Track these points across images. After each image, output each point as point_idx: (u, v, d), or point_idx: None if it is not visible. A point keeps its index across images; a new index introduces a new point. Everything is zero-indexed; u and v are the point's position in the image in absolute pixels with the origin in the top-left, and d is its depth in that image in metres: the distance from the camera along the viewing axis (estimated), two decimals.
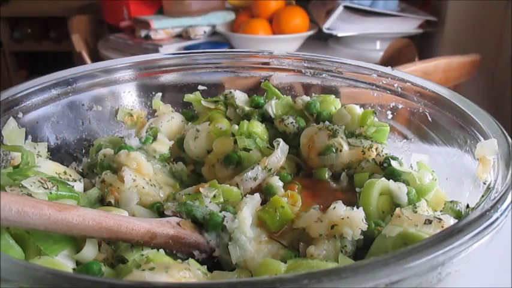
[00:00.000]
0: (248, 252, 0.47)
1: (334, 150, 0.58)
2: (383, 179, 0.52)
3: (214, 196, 0.52)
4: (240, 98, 0.68)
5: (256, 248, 0.48)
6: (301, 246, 0.49)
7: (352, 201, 0.51)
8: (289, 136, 0.63)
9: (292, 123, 0.63)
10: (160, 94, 0.71)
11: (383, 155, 0.57)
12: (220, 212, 0.50)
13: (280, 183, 0.56)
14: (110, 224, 0.42)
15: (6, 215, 0.37)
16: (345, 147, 0.58)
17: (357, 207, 0.48)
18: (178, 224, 0.48)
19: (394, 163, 0.55)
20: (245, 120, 0.63)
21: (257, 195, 0.52)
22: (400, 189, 0.51)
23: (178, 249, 0.47)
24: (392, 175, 0.54)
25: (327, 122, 0.62)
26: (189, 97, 0.70)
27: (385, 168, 0.55)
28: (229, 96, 0.68)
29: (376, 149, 0.57)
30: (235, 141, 0.61)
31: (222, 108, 0.68)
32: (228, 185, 0.55)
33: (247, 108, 0.67)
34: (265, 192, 0.55)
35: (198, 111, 0.70)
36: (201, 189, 0.52)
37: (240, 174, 0.58)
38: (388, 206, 0.51)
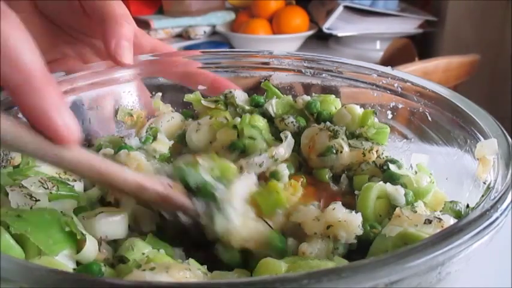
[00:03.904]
0: (233, 224, 0.47)
1: (334, 151, 0.58)
2: (381, 182, 0.52)
3: (212, 169, 0.51)
4: (240, 97, 0.68)
5: (242, 223, 0.48)
6: (290, 240, 0.49)
7: (351, 204, 0.51)
8: None
9: (292, 122, 0.63)
10: (160, 94, 0.71)
11: (383, 158, 0.57)
12: (214, 183, 0.49)
13: (287, 172, 0.56)
14: (103, 167, 0.42)
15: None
16: (346, 148, 0.58)
17: (355, 211, 0.48)
18: (169, 185, 0.48)
19: (392, 166, 0.55)
20: (247, 114, 0.63)
21: (254, 175, 0.52)
22: (397, 191, 0.50)
23: (164, 209, 0.48)
24: (391, 178, 0.54)
25: (327, 123, 0.62)
26: (189, 97, 0.70)
27: (385, 171, 0.55)
28: (230, 95, 0.68)
29: (377, 151, 0.57)
30: (238, 135, 0.61)
31: (222, 107, 0.68)
32: (227, 161, 0.54)
33: (247, 108, 0.67)
34: (270, 177, 0.55)
35: (198, 111, 0.70)
36: (198, 159, 0.51)
37: (246, 157, 0.58)
38: (385, 210, 0.51)
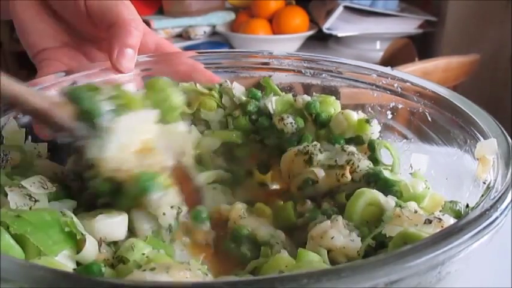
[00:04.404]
0: (105, 153, 0.47)
1: (310, 183, 0.57)
2: (373, 190, 0.51)
3: (116, 98, 0.51)
4: (238, 89, 0.68)
5: (118, 155, 0.48)
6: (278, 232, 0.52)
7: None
8: (286, 135, 0.63)
9: (291, 123, 0.63)
10: None
11: (364, 171, 0.55)
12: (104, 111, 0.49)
13: None
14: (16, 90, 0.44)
15: None
16: (320, 175, 0.56)
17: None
18: (54, 103, 0.48)
19: (386, 173, 0.54)
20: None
21: (155, 112, 0.53)
22: (387, 203, 0.50)
23: (44, 124, 0.49)
24: (386, 185, 0.53)
25: (303, 145, 0.60)
26: (183, 86, 0.69)
27: (372, 183, 0.54)
28: (225, 84, 0.68)
29: (351, 167, 0.55)
30: None
31: (216, 95, 0.68)
32: (136, 95, 0.54)
33: (243, 98, 0.67)
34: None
35: (190, 99, 0.69)
36: (102, 86, 0.52)
37: None
38: (374, 217, 0.50)
